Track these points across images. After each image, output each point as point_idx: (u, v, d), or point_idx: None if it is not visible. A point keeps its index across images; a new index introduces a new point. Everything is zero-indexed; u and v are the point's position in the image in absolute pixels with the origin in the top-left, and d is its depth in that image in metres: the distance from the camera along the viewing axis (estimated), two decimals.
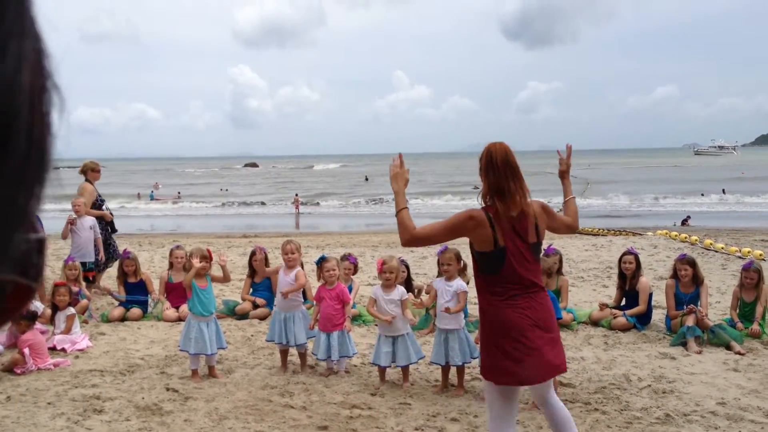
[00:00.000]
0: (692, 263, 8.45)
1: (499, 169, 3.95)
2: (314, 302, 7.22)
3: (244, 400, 6.10)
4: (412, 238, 4.07)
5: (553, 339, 3.95)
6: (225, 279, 7.20)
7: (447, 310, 6.27)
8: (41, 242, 0.61)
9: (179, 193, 56.11)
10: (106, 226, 10.86)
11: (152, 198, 52.89)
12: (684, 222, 28.18)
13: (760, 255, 14.43)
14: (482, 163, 4.05)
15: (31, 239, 0.60)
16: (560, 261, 9.14)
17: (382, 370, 6.61)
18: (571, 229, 4.52)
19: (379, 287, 6.67)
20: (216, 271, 7.14)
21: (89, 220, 10.65)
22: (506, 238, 3.90)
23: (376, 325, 8.69)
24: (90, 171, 10.90)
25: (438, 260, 6.82)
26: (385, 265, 6.62)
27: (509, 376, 3.90)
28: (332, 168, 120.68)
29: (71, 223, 10.46)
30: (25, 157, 0.55)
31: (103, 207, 10.94)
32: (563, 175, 4.77)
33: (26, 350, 6.96)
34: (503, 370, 3.91)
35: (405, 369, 6.63)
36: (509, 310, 3.89)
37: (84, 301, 9.57)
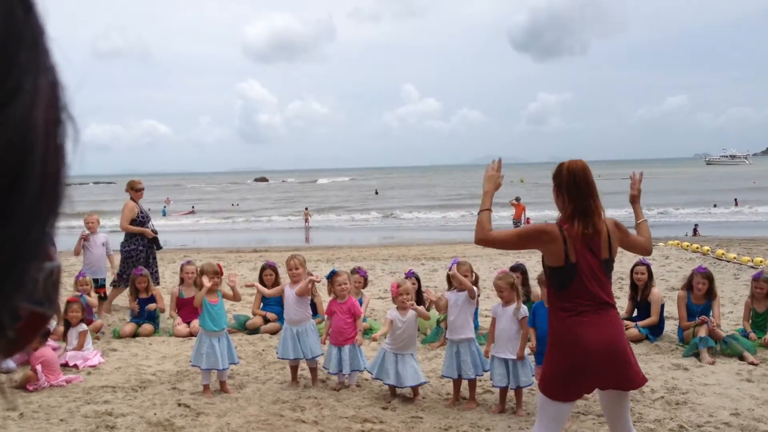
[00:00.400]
0: (710, 278, 8.40)
1: (580, 188, 3.99)
2: (326, 316, 7.23)
3: (256, 415, 6.10)
4: (485, 238, 4.14)
5: (617, 355, 3.92)
6: (235, 298, 7.21)
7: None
8: (56, 270, 0.62)
9: (193, 207, 56.31)
10: (150, 243, 10.92)
11: (164, 214, 53.11)
12: (695, 231, 28.07)
13: None
14: (561, 180, 4.05)
15: (46, 268, 0.61)
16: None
17: (392, 387, 6.60)
18: (646, 251, 4.49)
19: (395, 310, 6.65)
20: (226, 287, 7.16)
21: (101, 237, 10.71)
22: (578, 254, 3.93)
23: (374, 339, 8.71)
24: (130, 189, 11.02)
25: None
26: (401, 288, 6.62)
27: (563, 392, 3.94)
28: (341, 181, 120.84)
29: (84, 239, 10.52)
30: (39, 191, 0.56)
31: (148, 225, 10.97)
32: (634, 199, 4.80)
33: (39, 367, 6.98)
34: (559, 386, 3.95)
35: (414, 388, 6.60)
36: (576, 326, 3.91)
37: (98, 322, 9.62)
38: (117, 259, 10.97)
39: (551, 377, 4.00)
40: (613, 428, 4.24)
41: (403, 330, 6.49)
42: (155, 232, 10.98)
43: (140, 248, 10.71)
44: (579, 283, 3.93)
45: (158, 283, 10.84)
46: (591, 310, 3.93)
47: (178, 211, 53.91)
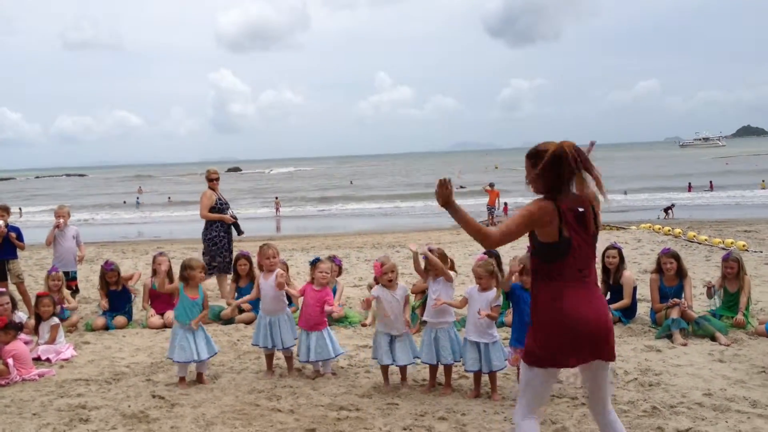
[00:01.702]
0: (676, 257, 8.51)
1: (569, 165, 3.97)
2: (297, 295, 7.18)
3: (231, 405, 6.07)
4: (494, 243, 4.02)
5: (606, 327, 4.00)
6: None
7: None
8: None
9: (169, 198, 55.94)
10: (229, 228, 11.18)
11: (138, 205, 52.76)
12: (667, 210, 28.35)
13: (743, 246, 14.55)
14: (549, 159, 4.02)
15: None
16: None
17: (385, 369, 6.57)
18: None
19: (381, 287, 6.59)
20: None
21: (72, 230, 10.61)
22: (570, 229, 3.96)
23: (363, 325, 8.70)
24: (208, 179, 11.30)
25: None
26: (385, 266, 6.54)
27: (549, 359, 3.98)
28: (315, 170, 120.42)
29: (57, 227, 10.39)
30: None
31: (227, 211, 11.20)
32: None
33: (10, 361, 6.89)
34: (546, 353, 3.99)
35: (403, 369, 6.60)
36: (568, 297, 3.96)
37: (73, 318, 9.51)
38: (84, 249, 10.90)
39: (539, 346, 4.02)
40: (593, 401, 4.27)
41: (393, 306, 6.45)
42: (234, 218, 11.24)
43: (221, 234, 11.00)
44: (571, 256, 3.98)
45: (229, 271, 10.87)
46: (580, 283, 4.00)
47: (150, 202, 53.60)
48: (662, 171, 63.16)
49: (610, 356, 4.05)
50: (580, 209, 4.00)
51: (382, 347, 6.49)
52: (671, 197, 38.86)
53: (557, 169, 3.99)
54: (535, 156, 4.10)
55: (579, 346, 3.94)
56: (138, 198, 56.41)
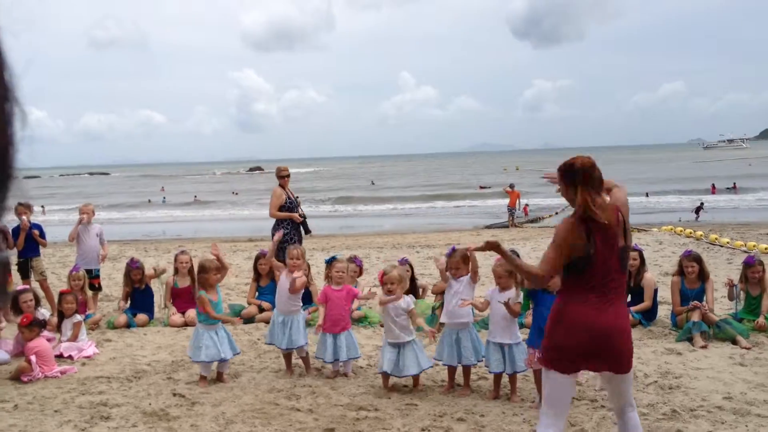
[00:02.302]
0: (698, 260, 8.45)
1: (595, 181, 4.09)
2: (318, 304, 7.19)
3: (251, 404, 6.11)
4: (545, 281, 4.20)
5: (615, 340, 4.04)
6: (224, 268, 7.11)
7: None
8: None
9: (195, 197, 56.29)
10: (298, 227, 11.14)
11: (164, 202, 53.17)
12: (698, 210, 28.13)
13: (766, 249, 14.39)
14: (575, 175, 4.10)
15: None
16: None
17: (386, 377, 6.58)
18: None
19: (385, 296, 6.61)
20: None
21: (96, 228, 10.67)
22: (597, 244, 4.03)
23: (382, 325, 8.70)
24: (278, 177, 11.28)
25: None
26: (385, 276, 6.54)
27: (557, 362, 4.06)
28: (337, 170, 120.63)
29: (81, 222, 10.47)
30: None
31: (296, 210, 11.16)
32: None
33: (33, 358, 6.98)
34: (556, 358, 4.08)
35: (415, 377, 6.59)
36: (586, 307, 4.03)
37: (97, 316, 9.62)
38: (107, 248, 10.97)
39: (552, 348, 4.12)
40: (613, 404, 4.35)
41: (397, 315, 6.48)
42: (303, 217, 11.17)
43: (290, 233, 10.90)
44: (593, 269, 4.04)
45: None
46: (600, 295, 4.05)
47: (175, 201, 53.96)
48: (686, 173, 62.51)
49: (621, 369, 4.10)
50: (608, 223, 4.03)
51: (386, 356, 6.50)
52: (694, 199, 38.55)
53: (578, 182, 4.05)
54: (561, 169, 4.21)
55: (589, 354, 4.02)
56: (164, 197, 56.77)
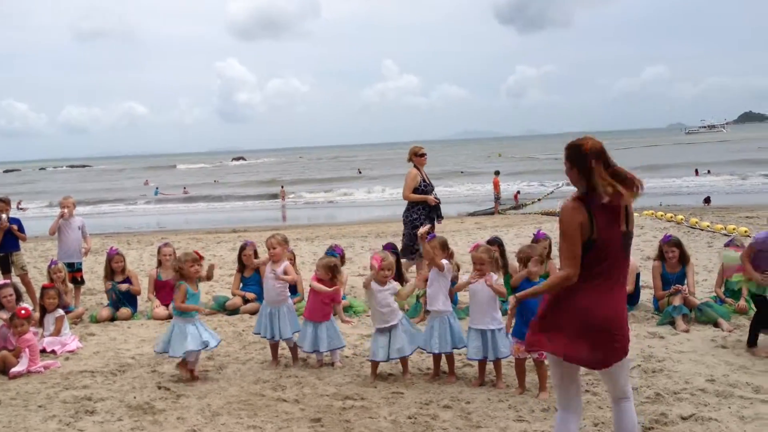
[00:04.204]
0: (678, 244, 8.50)
1: (601, 162, 3.98)
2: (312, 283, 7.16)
3: (237, 396, 6.10)
4: (575, 276, 3.96)
5: (616, 326, 4.00)
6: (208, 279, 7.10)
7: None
8: None
9: (185, 188, 55.99)
10: (431, 211, 10.34)
11: (156, 194, 52.79)
12: (707, 201, 28.29)
13: (745, 232, 14.53)
14: (579, 158, 4.01)
15: None
16: (549, 246, 9.16)
17: (375, 365, 6.59)
18: None
19: (375, 282, 6.62)
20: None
21: (77, 221, 10.59)
22: (600, 228, 3.95)
23: (368, 315, 8.72)
24: (414, 156, 10.50)
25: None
26: (384, 262, 6.57)
27: (557, 346, 4.03)
28: (322, 160, 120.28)
29: (62, 216, 10.37)
30: None
31: (431, 193, 10.38)
32: None
33: (27, 350, 6.95)
34: (555, 341, 4.04)
35: (403, 361, 6.62)
36: (584, 296, 3.96)
37: (80, 309, 9.56)
38: (90, 242, 10.87)
39: (552, 331, 4.06)
40: (610, 390, 4.30)
41: (386, 299, 6.50)
42: (438, 201, 10.48)
43: (422, 217, 10.14)
44: (595, 254, 3.96)
45: None
46: (602, 281, 3.99)
47: (171, 193, 53.58)
48: (669, 159, 62.80)
49: (615, 357, 4.05)
50: (610, 206, 3.96)
51: (378, 343, 6.51)
52: (677, 183, 38.82)
53: (584, 165, 3.98)
54: (566, 150, 4.13)
55: (583, 341, 3.96)
56: (157, 188, 56.18)
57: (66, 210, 10.44)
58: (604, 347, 3.99)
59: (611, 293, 4.02)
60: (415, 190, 10.25)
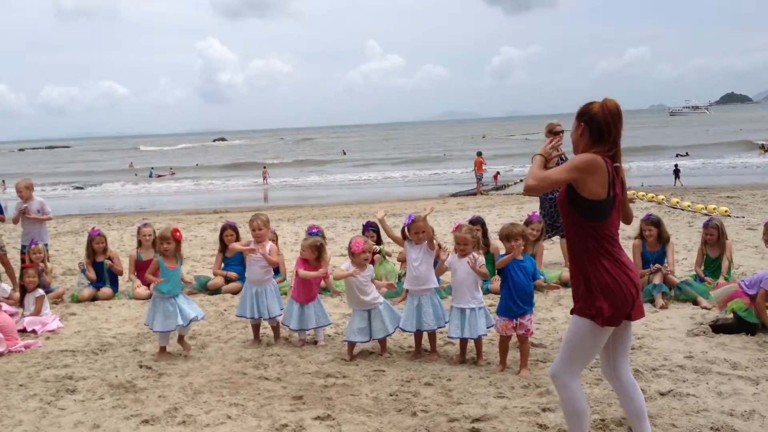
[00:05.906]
0: (657, 223, 8.54)
1: (618, 123, 3.99)
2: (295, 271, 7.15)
3: (219, 374, 6.10)
4: (539, 180, 3.98)
5: (639, 286, 4.06)
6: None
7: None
8: None
9: (171, 168, 55.65)
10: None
11: (151, 175, 52.44)
12: (676, 173, 28.50)
13: (725, 211, 14.67)
14: (596, 117, 3.99)
15: None
16: (542, 230, 9.23)
17: (351, 346, 6.60)
18: None
19: (351, 264, 6.62)
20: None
21: (36, 203, 10.33)
22: (614, 187, 3.95)
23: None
24: (550, 133, 9.79)
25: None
26: (366, 245, 6.60)
27: (616, 317, 3.95)
28: (305, 141, 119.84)
29: (23, 211, 10.17)
30: None
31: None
32: None
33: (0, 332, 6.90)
34: (618, 315, 3.95)
35: (382, 341, 6.65)
36: (616, 264, 3.95)
37: (60, 290, 9.48)
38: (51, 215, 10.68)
39: (612, 308, 3.94)
40: (615, 361, 4.20)
41: (364, 283, 6.52)
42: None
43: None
44: (614, 215, 3.99)
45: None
46: (618, 244, 4.04)
47: (162, 172, 53.41)
48: (652, 139, 63.11)
49: (643, 313, 4.13)
50: (618, 168, 4.00)
51: (355, 324, 6.54)
52: (658, 164, 39.03)
53: (600, 126, 3.97)
54: (581, 114, 4.08)
55: (629, 303, 3.96)
56: (152, 169, 55.62)
57: (26, 205, 10.17)
58: (640, 299, 4.07)
59: (624, 253, 4.07)
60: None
